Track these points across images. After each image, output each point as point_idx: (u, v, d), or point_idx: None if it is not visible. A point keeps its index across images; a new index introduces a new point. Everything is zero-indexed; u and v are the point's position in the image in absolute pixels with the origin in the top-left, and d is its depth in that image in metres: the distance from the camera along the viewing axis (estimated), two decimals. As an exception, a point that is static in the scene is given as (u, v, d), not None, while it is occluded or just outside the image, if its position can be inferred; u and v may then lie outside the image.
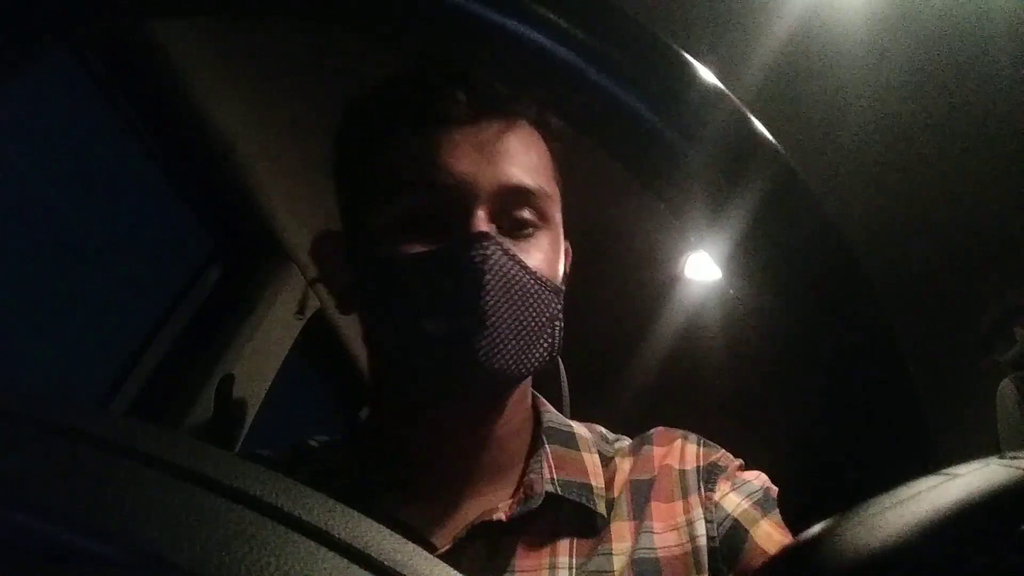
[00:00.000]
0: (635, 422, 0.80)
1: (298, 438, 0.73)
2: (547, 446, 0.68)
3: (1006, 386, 1.33)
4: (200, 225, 1.44)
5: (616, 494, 0.66)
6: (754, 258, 0.28)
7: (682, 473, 0.67)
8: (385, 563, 0.24)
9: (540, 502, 0.63)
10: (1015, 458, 0.21)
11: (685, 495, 0.65)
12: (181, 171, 1.34)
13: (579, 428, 0.73)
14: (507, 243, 0.61)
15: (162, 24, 1.08)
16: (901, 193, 1.42)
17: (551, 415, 0.73)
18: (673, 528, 0.63)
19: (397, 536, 0.25)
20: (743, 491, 0.65)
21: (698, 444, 0.70)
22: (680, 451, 0.69)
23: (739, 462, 0.69)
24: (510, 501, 0.64)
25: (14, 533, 0.23)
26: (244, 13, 0.33)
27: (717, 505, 0.65)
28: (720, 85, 0.29)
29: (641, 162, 0.30)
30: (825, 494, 0.27)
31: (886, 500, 0.21)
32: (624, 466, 0.69)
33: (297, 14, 0.35)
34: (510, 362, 0.60)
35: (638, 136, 0.29)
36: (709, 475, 0.67)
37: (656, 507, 0.65)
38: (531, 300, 0.61)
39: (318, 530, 0.24)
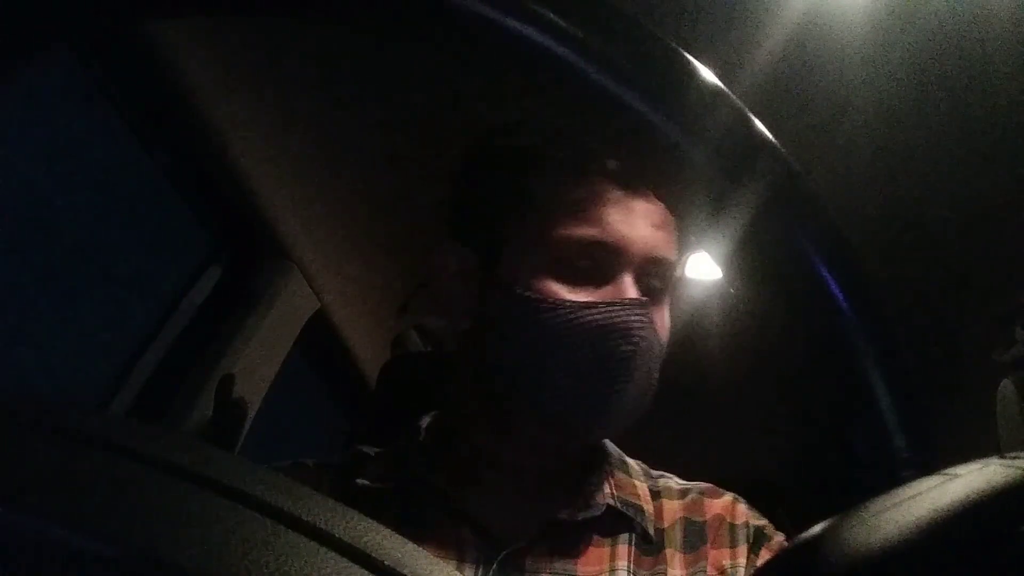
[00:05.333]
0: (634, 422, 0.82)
1: (354, 447, 0.76)
2: (607, 466, 0.74)
3: (1006, 386, 1.33)
4: (200, 225, 1.44)
5: (666, 525, 0.72)
6: (755, 257, 0.28)
7: (732, 526, 0.72)
8: (385, 563, 0.24)
9: (602, 511, 0.69)
10: (1015, 458, 0.21)
11: (734, 545, 0.71)
12: (181, 171, 1.34)
13: (627, 458, 0.78)
14: (652, 312, 0.67)
15: (162, 24, 1.08)
16: (902, 192, 1.42)
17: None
18: (721, 571, 0.69)
19: (397, 536, 0.25)
20: None
21: (747, 506, 0.75)
22: (731, 507, 0.74)
23: (782, 536, 0.73)
24: (571, 508, 0.69)
25: (13, 534, 0.23)
26: (243, 14, 0.33)
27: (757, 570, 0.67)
28: (721, 85, 0.29)
29: (642, 161, 0.30)
30: (825, 494, 0.27)
31: (886, 500, 0.21)
32: (673, 504, 0.74)
33: (295, 15, 0.35)
34: (628, 419, 0.68)
35: (639, 136, 0.29)
36: (757, 538, 0.72)
37: (709, 550, 0.71)
38: (655, 365, 0.67)
39: (318, 530, 0.24)
